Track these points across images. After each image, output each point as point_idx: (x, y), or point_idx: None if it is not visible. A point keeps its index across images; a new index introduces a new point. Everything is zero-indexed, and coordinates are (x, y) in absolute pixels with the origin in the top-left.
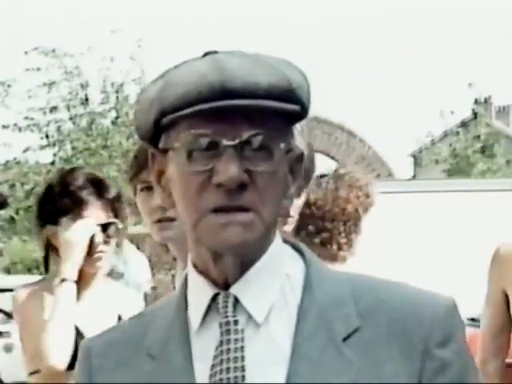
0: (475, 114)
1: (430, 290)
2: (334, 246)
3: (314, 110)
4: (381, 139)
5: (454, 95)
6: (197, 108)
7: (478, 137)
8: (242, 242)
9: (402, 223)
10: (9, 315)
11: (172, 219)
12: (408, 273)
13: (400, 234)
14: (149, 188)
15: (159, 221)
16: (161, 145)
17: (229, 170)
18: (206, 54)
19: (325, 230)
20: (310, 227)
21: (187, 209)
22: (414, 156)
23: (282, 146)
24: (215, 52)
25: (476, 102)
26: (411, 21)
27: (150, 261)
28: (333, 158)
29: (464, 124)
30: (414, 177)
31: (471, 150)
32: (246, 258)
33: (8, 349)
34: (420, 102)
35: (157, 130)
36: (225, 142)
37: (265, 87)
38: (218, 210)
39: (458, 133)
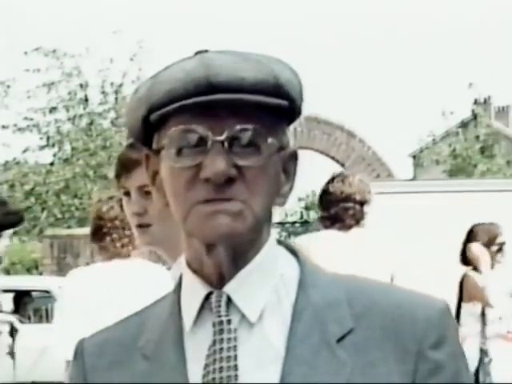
0: (475, 115)
1: (423, 291)
2: None
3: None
4: (381, 139)
5: (454, 95)
6: (182, 103)
7: (478, 137)
8: (231, 231)
9: (402, 223)
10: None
11: (148, 225)
12: (408, 273)
13: (400, 234)
14: (127, 193)
15: (137, 226)
16: (154, 145)
17: (216, 164)
18: (196, 54)
19: None
20: None
21: (177, 203)
22: (414, 156)
23: (270, 140)
24: (206, 51)
25: (476, 102)
26: (412, 21)
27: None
28: (332, 158)
29: (464, 124)
30: (414, 177)
31: (471, 150)
32: (239, 251)
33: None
34: (420, 102)
35: (147, 128)
36: (212, 138)
37: (251, 81)
38: (206, 201)
39: (457, 133)
